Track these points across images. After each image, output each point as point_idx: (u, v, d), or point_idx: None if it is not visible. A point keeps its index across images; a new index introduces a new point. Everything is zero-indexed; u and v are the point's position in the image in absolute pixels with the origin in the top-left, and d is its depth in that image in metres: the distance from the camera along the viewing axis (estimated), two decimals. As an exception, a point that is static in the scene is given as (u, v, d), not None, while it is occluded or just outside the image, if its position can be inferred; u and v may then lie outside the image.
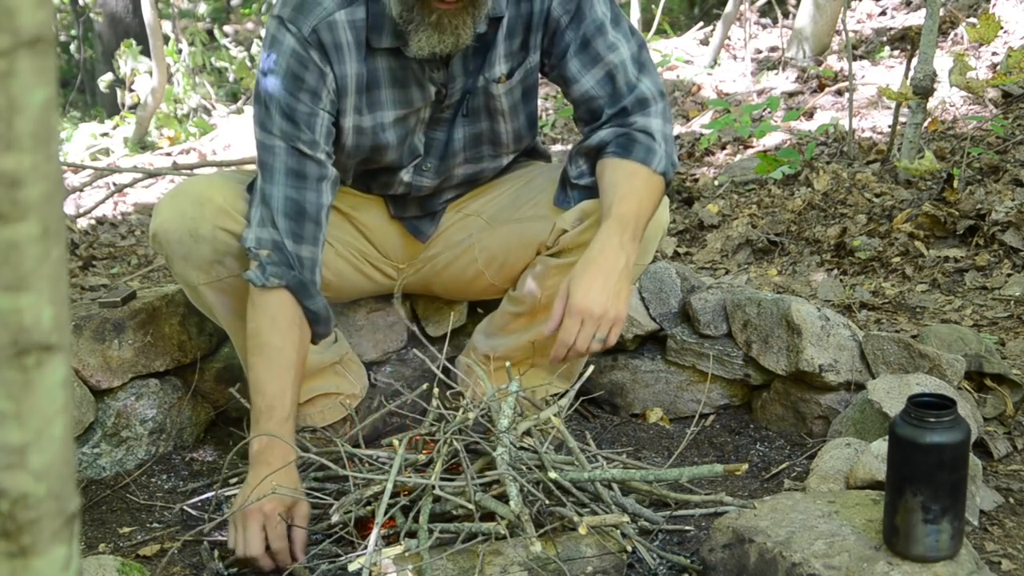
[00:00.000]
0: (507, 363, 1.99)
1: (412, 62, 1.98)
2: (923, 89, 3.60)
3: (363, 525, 1.81)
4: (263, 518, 1.78)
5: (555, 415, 1.85)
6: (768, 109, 5.25)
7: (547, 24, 2.05)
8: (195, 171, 5.10)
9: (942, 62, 4.62)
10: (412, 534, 1.71)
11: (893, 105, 4.22)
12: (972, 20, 5.46)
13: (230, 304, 2.07)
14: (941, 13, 4.18)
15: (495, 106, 2.10)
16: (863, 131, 4.78)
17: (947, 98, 4.76)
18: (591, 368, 1.98)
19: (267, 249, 1.95)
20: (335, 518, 1.72)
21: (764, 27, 7.09)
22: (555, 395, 2.17)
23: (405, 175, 2.16)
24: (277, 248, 1.95)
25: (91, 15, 9.86)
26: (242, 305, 2.06)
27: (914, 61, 3.84)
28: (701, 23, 7.83)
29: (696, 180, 4.49)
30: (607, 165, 2.01)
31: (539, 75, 2.15)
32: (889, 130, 4.24)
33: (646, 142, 2.01)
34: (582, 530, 1.62)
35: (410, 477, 1.76)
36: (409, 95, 2.04)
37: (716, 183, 4.32)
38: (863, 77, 5.47)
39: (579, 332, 1.87)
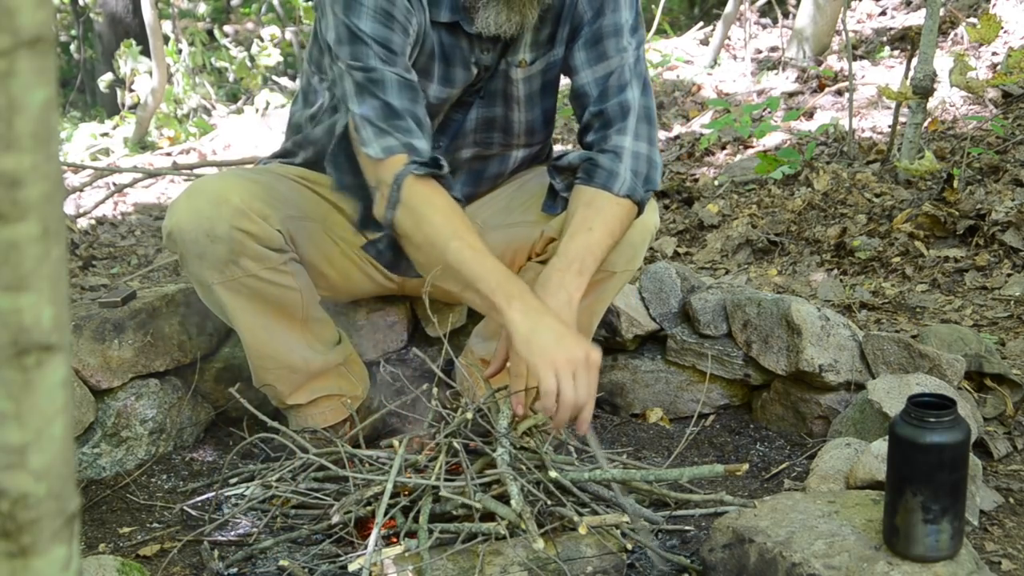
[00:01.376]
0: (507, 365, 1.99)
1: (463, 39, 2.00)
2: (923, 89, 3.60)
3: (363, 525, 1.82)
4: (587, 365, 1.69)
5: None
6: (768, 109, 5.25)
7: (573, 18, 2.07)
8: (195, 171, 5.10)
9: (942, 62, 4.62)
10: (412, 534, 1.71)
11: (893, 105, 4.22)
12: (972, 20, 5.46)
13: (243, 304, 2.07)
14: (941, 13, 4.18)
15: (512, 92, 2.11)
16: (863, 131, 4.77)
17: (947, 98, 4.76)
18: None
19: (402, 153, 1.85)
20: (336, 519, 1.72)
21: (764, 27, 7.09)
22: None
23: None
24: (411, 148, 1.86)
25: (91, 15, 9.87)
26: (254, 305, 2.07)
27: (914, 61, 3.84)
28: (701, 23, 7.83)
29: (696, 180, 4.49)
30: (574, 191, 2.01)
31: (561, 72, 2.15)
32: (889, 130, 4.24)
33: (609, 166, 1.97)
34: (582, 530, 1.63)
35: (410, 478, 1.76)
36: (453, 74, 2.05)
37: (716, 183, 4.32)
38: (863, 77, 5.47)
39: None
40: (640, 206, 2.01)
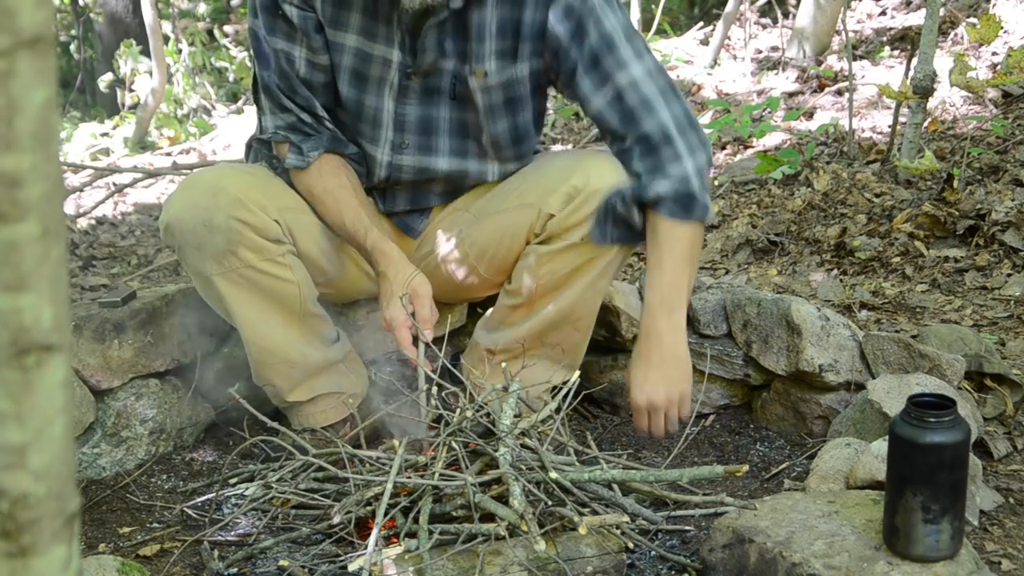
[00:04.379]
0: (503, 363, 1.99)
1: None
2: (923, 89, 3.60)
3: (363, 526, 1.82)
4: (409, 291, 2.03)
5: (554, 413, 1.85)
6: (768, 109, 5.24)
7: (544, 39, 2.03)
8: (195, 171, 5.09)
9: (942, 62, 4.62)
10: (412, 534, 1.71)
11: (893, 105, 4.22)
12: (972, 20, 5.46)
13: (242, 296, 2.07)
14: (941, 13, 4.18)
15: (474, 100, 2.10)
16: (863, 131, 4.77)
17: (947, 98, 4.76)
18: (577, 374, 1.98)
19: (288, 132, 2.12)
20: (336, 519, 1.72)
21: (764, 27, 7.08)
22: (553, 388, 2.19)
23: (384, 155, 2.16)
24: (295, 129, 2.12)
25: (91, 15, 9.86)
26: (253, 297, 2.08)
27: (914, 61, 3.84)
28: (701, 23, 7.83)
29: (696, 180, 4.49)
30: (654, 225, 2.00)
31: (538, 89, 2.13)
32: (889, 130, 4.24)
33: (686, 193, 1.97)
34: (582, 530, 1.63)
35: (410, 478, 1.76)
36: (375, 29, 2.05)
37: (716, 183, 4.32)
38: (863, 77, 5.47)
39: (651, 423, 2.03)
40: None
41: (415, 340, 2.02)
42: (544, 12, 2.00)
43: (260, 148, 2.27)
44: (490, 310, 2.29)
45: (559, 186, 2.05)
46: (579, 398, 2.01)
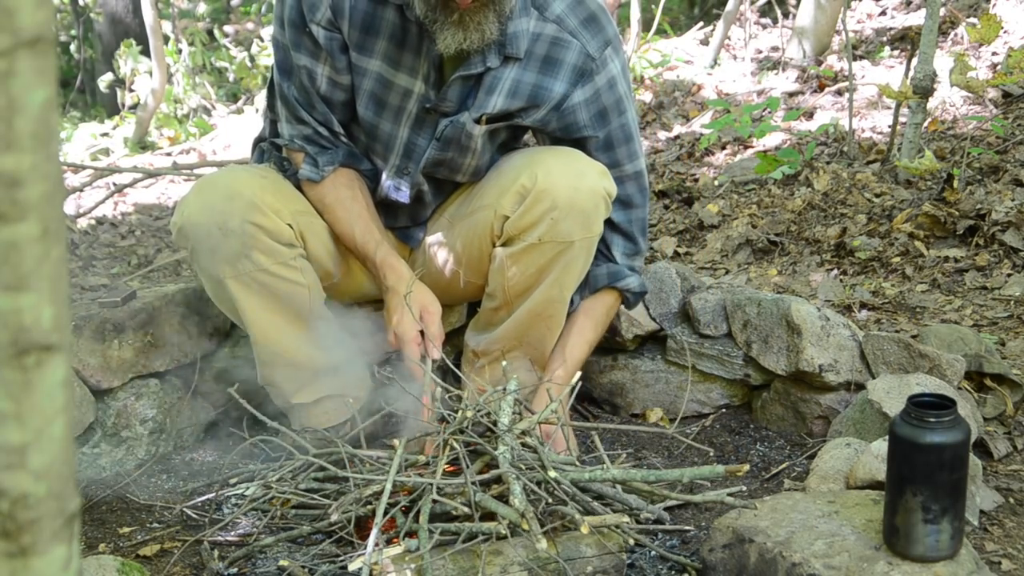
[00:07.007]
0: (504, 362, 2.00)
1: (413, 26, 2.01)
2: (923, 89, 3.60)
3: (363, 525, 1.82)
4: (420, 307, 2.04)
5: (553, 413, 1.85)
6: (768, 109, 5.24)
7: (560, 110, 2.09)
8: (195, 171, 5.10)
9: (942, 62, 4.62)
10: (412, 534, 1.71)
11: (893, 105, 4.22)
12: (972, 20, 5.46)
13: (253, 299, 2.08)
14: (941, 13, 4.18)
15: (468, 144, 2.13)
16: (863, 131, 4.77)
17: (947, 98, 4.75)
18: (578, 374, 1.98)
19: (304, 143, 2.14)
20: (334, 517, 1.72)
21: (764, 27, 7.08)
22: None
23: (387, 176, 2.19)
24: (312, 141, 2.13)
25: (91, 15, 9.86)
26: (264, 301, 2.08)
27: (914, 61, 3.84)
28: (701, 23, 7.82)
29: (696, 180, 4.49)
30: (603, 299, 2.25)
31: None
32: (889, 130, 4.24)
33: (642, 289, 2.26)
34: (584, 530, 1.63)
35: (409, 477, 1.76)
36: (401, 58, 2.05)
37: (716, 183, 4.31)
38: (863, 77, 5.46)
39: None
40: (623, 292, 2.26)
41: (422, 356, 2.02)
42: (572, 88, 2.08)
43: (270, 149, 2.28)
44: (477, 312, 2.31)
45: (511, 186, 2.08)
46: (575, 393, 2.00)
